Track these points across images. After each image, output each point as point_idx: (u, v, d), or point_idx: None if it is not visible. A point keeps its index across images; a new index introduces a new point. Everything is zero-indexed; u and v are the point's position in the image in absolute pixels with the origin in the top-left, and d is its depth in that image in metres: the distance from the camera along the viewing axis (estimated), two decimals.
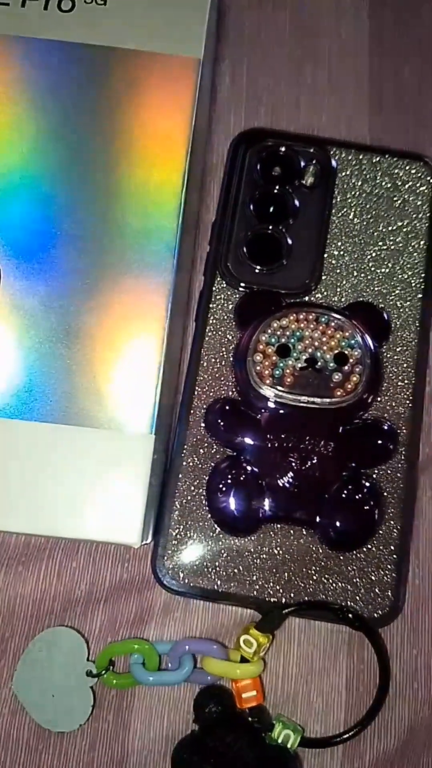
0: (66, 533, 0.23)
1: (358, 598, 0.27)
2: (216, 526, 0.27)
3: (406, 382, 0.29)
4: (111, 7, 0.26)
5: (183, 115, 0.26)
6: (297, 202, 0.31)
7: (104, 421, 0.23)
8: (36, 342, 0.24)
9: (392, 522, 0.27)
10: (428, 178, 0.32)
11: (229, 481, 0.27)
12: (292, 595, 0.27)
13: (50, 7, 0.26)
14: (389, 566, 0.27)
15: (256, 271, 0.30)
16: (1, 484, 0.23)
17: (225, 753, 0.25)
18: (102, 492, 0.23)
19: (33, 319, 0.24)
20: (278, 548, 0.27)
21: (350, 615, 0.26)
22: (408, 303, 0.30)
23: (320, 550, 0.27)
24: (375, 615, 0.27)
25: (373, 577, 0.27)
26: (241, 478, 0.27)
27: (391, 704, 0.27)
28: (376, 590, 0.27)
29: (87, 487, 0.23)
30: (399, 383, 0.29)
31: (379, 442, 0.28)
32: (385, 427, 0.28)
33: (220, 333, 0.29)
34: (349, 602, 0.27)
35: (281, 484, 0.27)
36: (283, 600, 0.27)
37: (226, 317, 0.30)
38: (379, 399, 0.29)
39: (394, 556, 0.27)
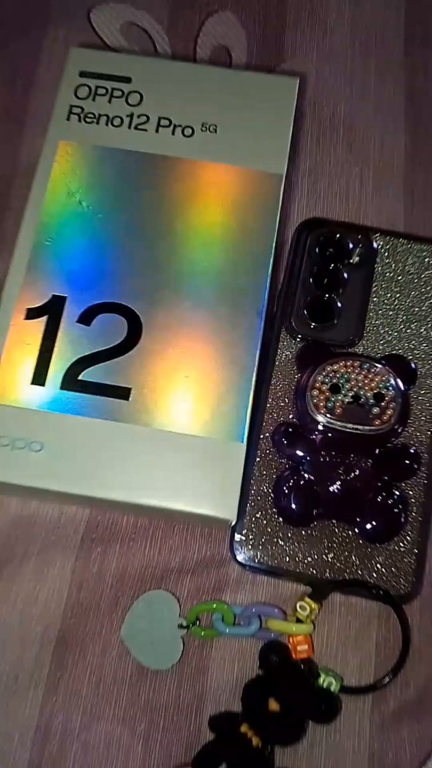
0: (179, 506, 0.31)
1: (387, 579, 0.35)
2: (280, 519, 0.36)
3: (428, 417, 0.38)
4: (220, 133, 0.37)
5: (271, 220, 0.36)
6: (346, 276, 0.40)
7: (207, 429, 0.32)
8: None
9: (414, 523, 0.36)
10: None
11: (290, 485, 0.36)
12: (336, 575, 0.35)
13: (176, 132, 0.36)
14: (412, 556, 0.35)
15: (312, 327, 0.39)
16: (130, 470, 0.31)
17: (285, 691, 0.33)
18: (206, 477, 0.31)
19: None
20: (326, 539, 0.36)
21: (381, 592, 0.35)
22: (429, 359, 0.39)
23: (359, 542, 0.36)
24: (400, 593, 0.35)
25: (399, 564, 0.35)
26: (300, 484, 0.36)
27: (411, 665, 0.35)
28: (402, 574, 0.35)
29: (195, 474, 0.31)
30: (422, 418, 0.38)
31: (407, 462, 0.37)
32: (411, 451, 0.37)
33: (282, 374, 0.39)
34: (380, 582, 0.35)
35: (330, 490, 0.36)
36: (330, 578, 0.35)
37: (288, 362, 0.39)
38: (407, 429, 0.38)
39: (416, 549, 0.35)
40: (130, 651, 0.35)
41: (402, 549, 0.36)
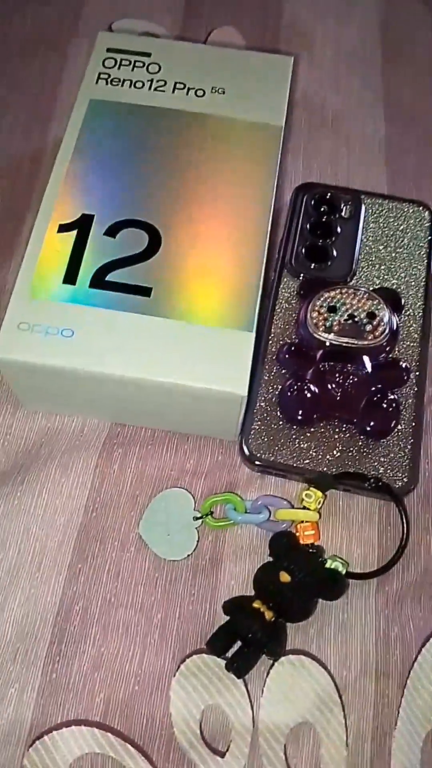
0: (195, 383, 0.35)
1: (386, 472, 0.38)
2: (285, 421, 0.39)
3: (415, 340, 0.42)
4: (228, 94, 0.43)
5: (271, 164, 0.41)
6: (338, 228, 0.46)
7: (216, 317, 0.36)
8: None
9: (407, 425, 0.39)
10: (427, 215, 0.47)
11: (294, 389, 0.39)
12: (339, 470, 0.38)
13: (190, 93, 0.42)
14: (406, 453, 0.39)
15: (310, 267, 0.44)
16: (152, 353, 0.35)
17: (296, 566, 0.35)
18: (218, 357, 0.35)
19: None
20: (329, 437, 0.39)
21: (381, 483, 0.37)
22: (414, 290, 0.44)
23: (358, 439, 0.39)
24: (398, 484, 0.38)
25: (395, 459, 0.38)
26: (303, 388, 0.39)
27: (410, 551, 0.37)
28: (399, 468, 0.38)
29: (210, 357, 0.35)
30: (410, 341, 0.42)
31: (397, 372, 0.40)
32: (402, 364, 0.41)
33: (286, 305, 0.43)
34: (379, 475, 0.38)
35: (330, 394, 0.39)
36: (334, 471, 0.38)
37: (290, 296, 0.43)
38: (397, 350, 0.42)
39: (410, 446, 0.39)
40: (147, 544, 0.37)
41: (397, 446, 0.39)
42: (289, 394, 0.40)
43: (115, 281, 0.37)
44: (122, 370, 0.35)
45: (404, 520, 0.37)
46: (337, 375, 0.40)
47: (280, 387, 0.40)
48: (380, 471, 0.38)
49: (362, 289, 0.42)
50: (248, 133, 0.42)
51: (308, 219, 0.46)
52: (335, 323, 0.41)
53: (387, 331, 0.41)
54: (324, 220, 0.46)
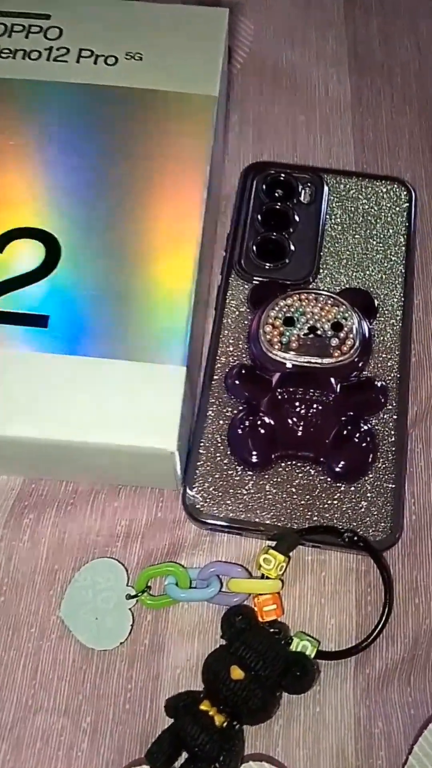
0: (111, 440, 0.27)
1: (362, 523, 0.31)
2: (236, 464, 0.32)
3: (393, 351, 0.35)
4: (146, 61, 0.34)
5: (202, 143, 0.33)
6: (296, 216, 0.38)
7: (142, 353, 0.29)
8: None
9: (388, 461, 0.32)
10: (404, 195, 0.39)
11: (246, 425, 0.32)
12: (305, 523, 0.31)
13: (99, 62, 0.34)
14: (387, 497, 0.31)
15: (263, 267, 0.36)
16: (56, 403, 0.27)
17: (252, 655, 0.28)
18: (141, 406, 0.27)
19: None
20: (290, 483, 0.32)
21: (356, 537, 0.30)
22: (391, 289, 0.36)
23: (326, 484, 0.31)
24: (377, 538, 0.31)
25: (374, 506, 0.31)
26: (257, 423, 0.32)
27: (396, 619, 0.30)
28: (378, 517, 0.31)
29: (128, 404, 0.27)
30: (387, 353, 0.34)
31: (372, 395, 0.33)
32: (377, 384, 0.33)
33: (234, 316, 0.35)
34: (355, 527, 0.31)
35: (290, 428, 0.32)
36: (297, 526, 0.31)
37: (240, 305, 0.36)
38: (371, 365, 0.34)
39: (391, 489, 0.31)
40: (71, 630, 0.30)
41: (376, 489, 0.31)
42: (240, 430, 0.32)
43: (1, 310, 0.29)
44: (17, 430, 0.27)
45: (387, 583, 0.30)
46: (298, 403, 0.32)
47: (228, 418, 0.33)
48: (356, 521, 0.31)
49: (325, 292, 0.34)
50: (173, 108, 0.34)
51: (259, 207, 0.38)
52: (293, 339, 0.33)
53: (357, 344, 0.33)
54: (278, 207, 0.38)
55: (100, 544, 0.32)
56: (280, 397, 0.32)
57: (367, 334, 0.34)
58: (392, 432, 0.33)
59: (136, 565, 0.32)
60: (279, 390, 0.33)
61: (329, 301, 0.34)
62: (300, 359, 0.33)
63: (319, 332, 0.33)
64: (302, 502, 0.31)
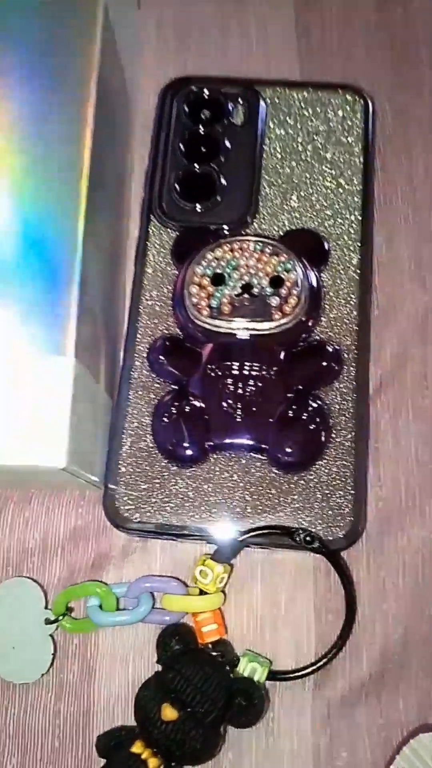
0: None
1: (317, 520, 0.26)
2: (165, 460, 0.27)
3: (350, 304, 0.29)
4: None
5: (87, 50, 0.26)
6: (227, 142, 0.31)
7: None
8: None
9: (346, 442, 0.27)
10: (360, 107, 0.31)
11: (173, 413, 0.27)
12: (249, 522, 0.26)
13: None
14: (347, 486, 0.26)
15: (191, 209, 0.30)
16: None
17: (187, 688, 0.24)
18: (20, 413, 0.22)
19: None
20: (230, 476, 0.26)
21: (308, 537, 0.25)
22: (346, 228, 0.30)
23: (273, 474, 0.26)
24: (337, 536, 0.26)
25: (330, 498, 0.26)
26: (186, 410, 0.27)
27: (361, 628, 0.26)
28: (335, 510, 0.26)
29: (6, 413, 0.22)
30: (342, 306, 0.29)
31: (324, 363, 0.27)
32: (329, 348, 0.27)
33: (159, 274, 0.29)
34: (307, 525, 0.26)
35: (226, 412, 0.26)
36: (240, 528, 0.26)
37: (164, 259, 0.29)
38: (323, 323, 0.28)
39: (351, 475, 0.26)
40: None
41: (332, 476, 0.26)
42: (165, 418, 0.27)
43: None
44: None
45: (348, 590, 0.25)
46: (233, 381, 0.27)
47: (153, 402, 0.27)
48: (310, 516, 0.26)
49: (260, 239, 0.28)
50: (49, 11, 0.26)
51: (181, 134, 0.31)
52: (225, 300, 0.27)
53: (302, 301, 0.27)
54: (204, 132, 0.31)
55: (12, 561, 0.27)
56: (212, 374, 0.27)
57: (315, 287, 0.28)
58: (350, 405, 0.27)
59: (57, 582, 0.27)
60: (210, 366, 0.27)
61: (267, 250, 0.28)
62: (233, 325, 0.27)
63: (255, 290, 0.27)
64: (245, 499, 0.26)
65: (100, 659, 0.26)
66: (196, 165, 0.30)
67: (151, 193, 0.30)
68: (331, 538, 0.26)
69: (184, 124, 0.31)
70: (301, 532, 0.25)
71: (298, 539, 0.25)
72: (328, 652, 0.25)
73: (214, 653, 0.25)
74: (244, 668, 0.25)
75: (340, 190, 0.30)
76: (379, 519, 0.27)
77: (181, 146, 0.31)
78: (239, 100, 0.31)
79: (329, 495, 0.26)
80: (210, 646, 0.25)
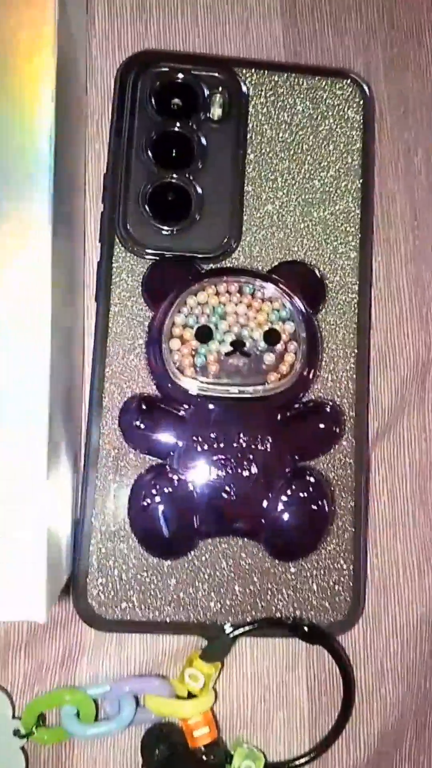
0: None
1: (313, 605, 0.24)
2: (143, 549, 0.23)
3: (348, 350, 0.25)
4: None
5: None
6: (204, 141, 0.25)
7: None
8: None
9: (345, 514, 0.24)
10: (357, 99, 0.26)
11: (154, 495, 0.23)
12: (239, 614, 0.23)
13: None
14: (345, 564, 0.24)
15: (164, 232, 0.25)
16: None
17: None
18: None
19: None
20: (218, 566, 0.23)
21: (306, 628, 0.23)
22: (344, 256, 0.25)
23: (266, 563, 0.24)
24: (334, 620, 0.24)
25: (328, 580, 0.24)
26: (167, 491, 0.23)
27: (358, 714, 0.25)
28: (333, 594, 0.24)
29: None
30: (340, 353, 0.25)
31: (322, 426, 0.24)
32: (328, 409, 0.24)
33: (127, 314, 0.24)
34: (303, 612, 0.24)
35: (216, 493, 0.23)
36: (229, 621, 0.23)
37: (132, 293, 0.24)
38: (318, 374, 0.25)
39: (350, 552, 0.24)
40: None
41: (329, 557, 0.24)
42: (146, 503, 0.23)
43: None
44: None
45: (346, 680, 0.24)
46: (223, 455, 0.23)
47: (127, 478, 0.23)
48: (305, 602, 0.24)
49: (251, 279, 0.24)
50: None
51: (148, 131, 0.25)
52: (212, 359, 0.23)
53: (301, 358, 0.23)
54: (178, 130, 0.25)
55: None
56: (198, 447, 0.23)
57: (312, 338, 0.24)
58: (348, 471, 0.24)
59: (23, 682, 0.24)
60: (196, 437, 0.23)
61: (259, 294, 0.24)
62: (222, 389, 0.23)
63: (246, 347, 0.23)
64: (234, 589, 0.23)
65: (78, 766, 0.24)
66: (169, 174, 0.25)
67: (113, 210, 0.25)
68: (329, 623, 0.24)
69: (152, 119, 0.25)
70: (297, 623, 0.23)
71: (294, 631, 0.23)
72: (323, 741, 0.24)
73: (205, 757, 0.23)
74: (240, 763, 0.23)
75: (334, 208, 0.26)
76: (375, 590, 0.25)
77: (149, 149, 0.25)
78: (217, 87, 0.26)
79: (327, 579, 0.24)
80: (202, 748, 0.23)
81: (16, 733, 0.23)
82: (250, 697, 0.25)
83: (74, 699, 0.23)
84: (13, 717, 0.23)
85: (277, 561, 0.23)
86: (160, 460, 0.23)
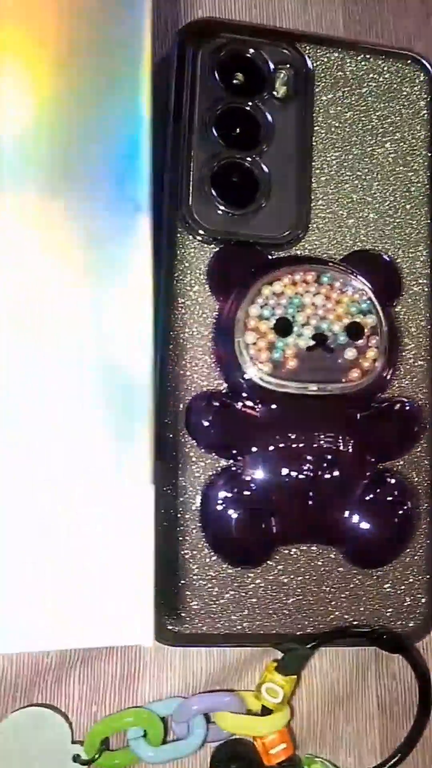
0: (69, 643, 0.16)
1: (390, 612, 0.23)
2: (216, 557, 0.21)
3: (421, 344, 0.24)
4: None
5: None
6: (270, 119, 0.24)
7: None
8: None
9: (423, 521, 0.23)
10: (422, 80, 0.25)
11: (228, 500, 0.21)
12: (316, 624, 0.22)
13: None
14: (423, 568, 0.23)
15: (229, 216, 0.23)
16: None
17: None
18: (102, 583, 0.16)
19: None
20: (295, 574, 0.22)
21: (385, 636, 0.22)
22: (415, 244, 0.24)
23: (343, 568, 0.22)
24: (411, 626, 0.23)
25: (405, 585, 0.23)
26: (243, 495, 0.21)
27: None
28: (411, 599, 0.23)
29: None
30: (413, 347, 0.24)
31: (403, 426, 0.23)
32: (407, 407, 0.23)
33: (192, 304, 0.23)
34: (379, 619, 0.22)
35: (294, 497, 0.22)
36: (308, 631, 0.22)
37: (197, 281, 0.23)
38: (398, 370, 0.23)
39: (429, 558, 0.23)
40: None
41: (407, 560, 0.23)
42: (219, 507, 0.21)
43: None
44: None
45: (424, 682, 0.23)
46: (303, 456, 0.22)
47: (196, 481, 0.22)
48: (381, 609, 0.23)
49: (328, 267, 0.22)
50: None
51: (213, 107, 0.23)
52: (290, 353, 0.22)
53: (384, 353, 0.22)
54: (243, 107, 0.23)
55: (21, 686, 0.21)
56: (274, 448, 0.22)
57: (392, 333, 0.23)
58: (427, 471, 0.23)
59: (79, 702, 0.22)
60: (274, 437, 0.22)
61: (337, 284, 0.22)
62: (302, 386, 0.22)
63: (328, 340, 0.22)
64: (311, 598, 0.22)
65: None
66: (235, 154, 0.23)
67: (175, 193, 0.23)
68: (406, 630, 0.23)
69: (216, 94, 0.23)
70: (377, 632, 0.22)
71: (373, 639, 0.22)
72: (397, 751, 0.23)
73: None
74: None
75: (409, 192, 0.24)
76: None
77: (214, 129, 0.23)
78: (283, 62, 0.24)
79: (405, 584, 0.23)
80: (276, 765, 0.22)
81: (76, 759, 0.21)
82: (320, 711, 0.23)
83: (141, 720, 0.21)
84: (73, 741, 0.21)
85: (354, 568, 0.22)
86: (231, 461, 0.22)
